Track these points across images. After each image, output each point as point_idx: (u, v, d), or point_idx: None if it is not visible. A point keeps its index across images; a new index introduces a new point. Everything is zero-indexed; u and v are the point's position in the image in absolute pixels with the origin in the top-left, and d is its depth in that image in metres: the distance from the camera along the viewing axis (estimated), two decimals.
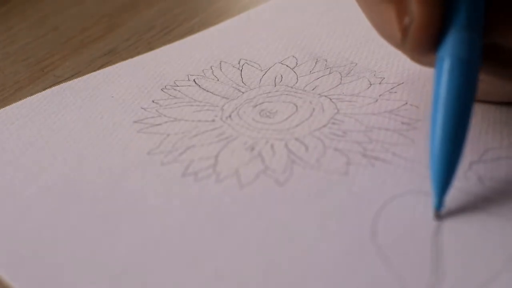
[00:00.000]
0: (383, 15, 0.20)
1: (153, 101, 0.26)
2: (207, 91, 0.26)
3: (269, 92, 0.26)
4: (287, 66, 0.28)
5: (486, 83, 0.22)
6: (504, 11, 0.19)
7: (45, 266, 0.18)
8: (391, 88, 0.26)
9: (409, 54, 0.20)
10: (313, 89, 0.26)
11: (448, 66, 0.19)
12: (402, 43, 0.20)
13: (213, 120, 0.24)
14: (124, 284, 0.18)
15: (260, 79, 0.27)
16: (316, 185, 0.21)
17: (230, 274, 0.18)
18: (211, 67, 0.28)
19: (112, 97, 0.26)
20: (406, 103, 0.25)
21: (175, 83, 0.27)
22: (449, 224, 0.19)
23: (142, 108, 0.25)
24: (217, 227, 0.19)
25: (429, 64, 0.20)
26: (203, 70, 0.28)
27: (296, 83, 0.27)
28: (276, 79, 0.27)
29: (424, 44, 0.19)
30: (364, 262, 0.18)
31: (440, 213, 0.19)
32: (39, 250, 0.19)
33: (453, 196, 0.20)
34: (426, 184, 0.20)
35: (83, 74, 0.29)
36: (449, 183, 0.19)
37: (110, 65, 0.29)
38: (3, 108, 0.26)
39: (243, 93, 0.26)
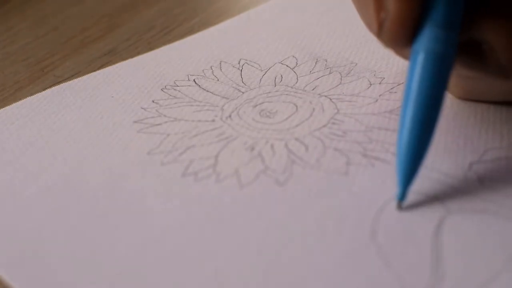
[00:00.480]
0: (366, 8, 0.21)
1: (153, 101, 0.26)
2: (207, 91, 0.26)
3: (269, 92, 0.26)
4: (287, 66, 0.28)
5: (479, 81, 0.22)
6: (483, 6, 0.19)
7: (45, 266, 0.18)
8: (391, 88, 0.26)
9: (386, 46, 0.20)
10: (313, 89, 0.26)
11: (421, 60, 0.19)
12: (378, 36, 0.20)
13: (213, 120, 0.24)
14: (124, 284, 0.18)
15: (260, 79, 0.27)
16: (316, 185, 0.21)
17: (230, 274, 0.18)
18: (211, 67, 0.28)
19: (112, 97, 0.26)
20: None
21: (175, 83, 0.27)
22: (449, 224, 0.19)
23: (142, 108, 0.25)
24: (217, 227, 0.19)
25: (407, 57, 0.21)
26: (203, 70, 0.28)
27: (296, 83, 0.27)
28: (276, 79, 0.27)
29: (398, 38, 0.20)
30: (364, 262, 0.18)
31: (402, 204, 0.19)
32: (39, 250, 0.19)
33: (453, 196, 0.20)
34: (426, 184, 0.20)
35: (83, 74, 0.29)
36: (414, 174, 0.19)
37: (110, 65, 0.29)
38: (3, 108, 0.26)
39: (243, 93, 0.26)
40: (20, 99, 0.27)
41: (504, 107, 0.24)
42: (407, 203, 0.20)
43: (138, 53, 0.31)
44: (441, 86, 0.19)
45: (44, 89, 0.28)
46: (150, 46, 0.31)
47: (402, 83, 0.26)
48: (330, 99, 0.25)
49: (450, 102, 0.24)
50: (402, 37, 0.20)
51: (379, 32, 0.20)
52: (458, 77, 0.23)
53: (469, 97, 0.24)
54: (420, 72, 0.19)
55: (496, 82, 0.22)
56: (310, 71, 0.27)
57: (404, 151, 0.19)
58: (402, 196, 0.19)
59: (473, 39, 0.20)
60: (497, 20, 0.19)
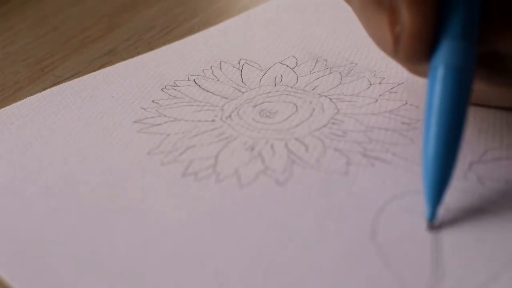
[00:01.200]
0: (377, 24, 0.20)
1: (153, 101, 0.26)
2: (207, 91, 0.26)
3: (269, 92, 0.26)
4: (287, 66, 0.28)
5: (487, 90, 0.22)
6: (500, 18, 0.19)
7: (45, 266, 0.18)
8: (391, 88, 0.26)
9: (402, 63, 0.20)
10: (313, 89, 0.26)
11: (441, 74, 0.18)
12: (394, 52, 0.19)
13: (213, 120, 0.24)
14: (124, 284, 0.18)
15: (260, 79, 0.27)
16: (316, 185, 0.21)
17: (230, 274, 0.18)
18: (211, 67, 0.28)
19: (112, 97, 0.26)
20: (406, 103, 0.25)
21: (175, 83, 0.27)
22: (449, 224, 0.19)
23: (142, 108, 0.25)
24: (217, 227, 0.19)
25: (425, 74, 0.20)
26: (203, 70, 0.28)
27: (296, 83, 0.27)
28: (276, 79, 0.27)
29: (416, 53, 0.19)
30: (364, 262, 0.18)
31: (433, 224, 0.19)
32: (39, 250, 0.19)
33: (453, 196, 0.20)
34: None
35: (83, 74, 0.29)
36: (442, 194, 0.18)
37: (110, 65, 0.29)
38: (3, 108, 0.26)
39: (243, 93, 0.26)
40: (20, 99, 0.27)
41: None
42: (407, 203, 0.20)
43: (138, 53, 0.31)
44: (464, 100, 0.18)
45: (44, 89, 0.27)
46: (150, 46, 0.31)
47: (402, 83, 0.26)
48: (330, 99, 0.25)
49: None
50: (420, 51, 0.19)
51: (395, 48, 0.19)
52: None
53: (476, 102, 0.24)
54: (441, 87, 0.18)
55: (502, 91, 0.22)
56: (310, 71, 0.27)
57: (431, 170, 0.18)
58: (432, 216, 0.19)
59: (491, 50, 0.19)
60: None
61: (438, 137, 0.18)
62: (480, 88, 0.21)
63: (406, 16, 0.18)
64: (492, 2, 0.19)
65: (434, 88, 0.19)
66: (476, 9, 0.19)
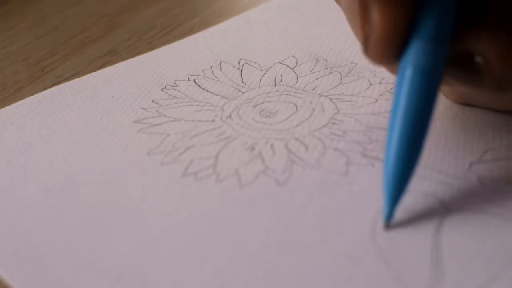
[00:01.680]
0: (353, 19, 0.20)
1: (153, 101, 0.26)
2: (207, 91, 0.26)
3: (269, 92, 0.26)
4: (287, 66, 0.28)
5: (471, 92, 0.22)
6: (477, 17, 0.19)
7: (45, 266, 0.18)
8: (391, 88, 0.26)
9: (372, 62, 0.20)
10: (313, 89, 0.26)
11: (409, 75, 0.18)
12: (364, 52, 0.19)
13: (213, 120, 0.24)
14: (124, 284, 0.18)
15: (260, 79, 0.27)
16: (316, 185, 0.21)
17: (230, 274, 0.18)
18: (211, 67, 0.28)
19: (112, 97, 0.26)
20: None
21: (175, 83, 0.27)
22: (449, 224, 0.19)
23: (142, 108, 0.25)
24: (217, 227, 0.19)
25: (395, 73, 0.20)
26: (203, 70, 0.28)
27: (296, 83, 0.27)
28: (276, 79, 0.27)
29: (383, 54, 0.19)
30: (364, 262, 0.18)
31: (389, 224, 0.19)
32: (39, 250, 0.19)
33: (452, 196, 0.20)
34: (426, 184, 0.20)
35: (83, 74, 0.29)
36: (401, 194, 0.18)
37: (110, 65, 0.29)
38: (3, 108, 0.26)
39: (243, 93, 0.26)
40: (20, 99, 0.27)
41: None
42: (407, 203, 0.20)
43: (138, 53, 0.31)
44: (430, 101, 0.19)
45: (44, 89, 0.27)
46: (150, 46, 0.31)
47: None
48: (330, 99, 0.25)
49: (450, 103, 0.24)
50: (388, 52, 0.19)
51: (365, 48, 0.19)
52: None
53: (467, 103, 0.24)
54: (408, 87, 0.18)
55: (492, 94, 0.22)
56: (310, 71, 0.27)
57: (391, 170, 0.18)
58: (389, 216, 0.19)
59: (466, 51, 0.19)
60: (492, 31, 0.19)
61: (401, 136, 0.18)
62: (460, 89, 0.21)
63: (375, 17, 0.18)
64: (464, 3, 0.19)
65: (401, 88, 0.19)
66: (451, 11, 0.19)
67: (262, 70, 0.28)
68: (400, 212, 0.19)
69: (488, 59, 0.19)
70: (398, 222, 0.19)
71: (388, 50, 0.19)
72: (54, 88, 0.27)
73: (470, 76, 0.20)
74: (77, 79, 0.28)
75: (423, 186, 0.20)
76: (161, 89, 0.27)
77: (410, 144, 0.18)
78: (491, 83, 0.20)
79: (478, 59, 0.19)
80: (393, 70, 0.21)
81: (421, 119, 0.18)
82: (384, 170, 0.19)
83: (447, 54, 0.19)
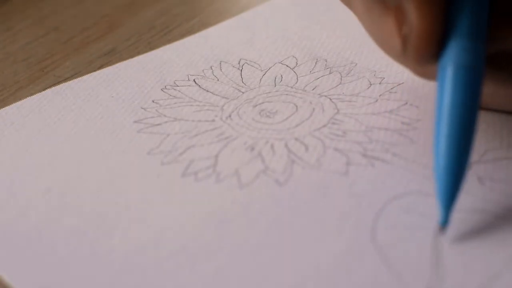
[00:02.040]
0: (382, 26, 0.20)
1: (153, 101, 0.26)
2: (207, 91, 0.26)
3: (269, 92, 0.26)
4: (287, 66, 0.28)
5: (489, 94, 0.22)
6: (510, 17, 0.19)
7: (45, 266, 0.18)
8: (391, 88, 0.26)
9: (411, 65, 0.19)
10: (313, 89, 0.26)
11: (451, 74, 0.18)
12: (402, 54, 0.19)
13: (213, 120, 0.24)
14: (124, 284, 0.18)
15: (260, 79, 0.27)
16: (316, 185, 0.21)
17: (230, 274, 0.18)
18: (211, 67, 0.28)
19: (112, 97, 0.26)
20: (406, 103, 0.25)
21: (175, 83, 0.27)
22: (449, 225, 0.19)
23: (142, 108, 0.25)
24: (217, 227, 0.19)
25: (433, 76, 0.20)
26: (203, 70, 0.28)
27: (296, 83, 0.27)
28: (276, 79, 0.27)
29: (425, 54, 0.19)
30: (364, 263, 0.18)
31: (445, 230, 0.18)
32: (39, 250, 0.19)
33: None
34: (426, 184, 0.20)
35: (83, 74, 0.29)
36: (455, 199, 0.18)
37: (110, 65, 0.29)
38: (3, 108, 0.26)
39: (243, 93, 0.26)
40: (20, 99, 0.27)
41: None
42: (407, 204, 0.20)
43: (138, 53, 0.31)
44: (475, 99, 0.18)
45: (44, 89, 0.27)
46: (150, 46, 0.31)
47: (402, 83, 0.26)
48: (330, 99, 0.25)
49: None
50: (429, 52, 0.18)
51: (403, 49, 0.19)
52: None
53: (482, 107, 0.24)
54: (452, 87, 0.18)
55: (505, 93, 0.21)
56: (310, 71, 0.27)
57: (444, 173, 0.18)
58: (445, 222, 0.18)
59: (501, 50, 0.19)
60: None
61: (450, 138, 0.18)
62: (486, 91, 0.21)
63: (413, 16, 0.18)
64: (501, 1, 0.19)
65: (444, 88, 0.18)
66: (485, 7, 0.18)
67: (262, 70, 0.28)
68: (400, 212, 0.19)
69: None
70: (398, 222, 0.19)
71: (429, 49, 0.18)
72: (54, 88, 0.27)
73: (503, 76, 0.20)
74: (77, 79, 0.28)
75: (423, 187, 0.20)
76: (161, 89, 0.27)
77: (460, 146, 0.18)
78: None
79: None
80: (424, 73, 0.20)
81: (468, 118, 0.18)
82: (436, 174, 0.18)
83: (485, 52, 0.18)
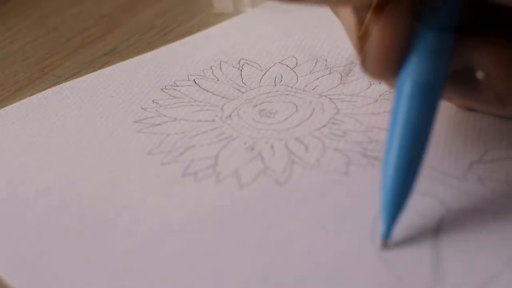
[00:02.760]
0: (350, 31, 0.20)
1: (153, 101, 0.26)
2: (207, 91, 0.27)
3: (269, 92, 0.26)
4: (287, 66, 0.28)
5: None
6: (477, 32, 0.18)
7: (45, 266, 0.18)
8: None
9: (370, 77, 0.19)
10: (313, 89, 0.26)
11: (408, 90, 0.18)
12: (361, 66, 0.19)
13: (213, 120, 0.24)
14: (124, 284, 0.18)
15: (260, 79, 0.27)
16: (316, 185, 0.21)
17: (229, 274, 0.18)
18: (211, 67, 0.28)
19: (112, 97, 0.26)
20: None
21: (175, 83, 0.27)
22: (449, 224, 0.19)
23: (142, 108, 0.25)
24: (217, 227, 0.19)
25: (394, 86, 0.20)
26: (203, 70, 0.28)
27: (296, 83, 0.27)
28: (276, 79, 0.27)
29: (382, 68, 0.18)
30: (364, 263, 0.18)
31: (387, 243, 0.18)
32: (39, 250, 0.19)
33: (452, 197, 0.20)
34: (425, 184, 0.20)
35: (83, 74, 0.29)
36: (399, 213, 0.18)
37: (110, 65, 0.29)
38: (3, 108, 0.26)
39: (243, 93, 0.26)
40: (20, 99, 0.27)
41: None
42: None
43: (138, 53, 0.31)
44: (430, 117, 0.18)
45: (44, 89, 0.27)
46: (150, 46, 0.31)
47: None
48: (330, 99, 0.25)
49: (449, 103, 0.24)
50: (387, 66, 0.18)
51: (363, 62, 0.19)
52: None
53: (469, 108, 0.23)
54: (407, 102, 0.18)
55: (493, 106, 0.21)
56: (310, 71, 0.27)
57: (389, 189, 0.18)
58: (387, 235, 0.18)
59: (466, 66, 0.19)
60: (492, 44, 0.18)
61: (399, 154, 0.18)
62: (461, 103, 0.21)
63: (373, 30, 0.18)
64: (464, 16, 0.19)
65: (399, 103, 0.18)
66: (449, 23, 0.18)
67: (262, 70, 0.28)
68: (406, 213, 0.19)
69: (489, 74, 0.19)
70: (398, 222, 0.19)
71: (386, 64, 0.18)
72: (54, 88, 0.27)
73: (471, 91, 0.19)
74: (77, 79, 0.28)
75: (423, 186, 0.20)
76: (161, 89, 0.27)
77: (409, 162, 0.18)
78: (491, 98, 0.19)
79: (479, 74, 0.19)
80: (391, 84, 0.20)
81: (420, 136, 0.18)
82: (382, 189, 0.18)
83: (447, 69, 0.18)
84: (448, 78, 0.19)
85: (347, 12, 0.21)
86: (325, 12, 0.33)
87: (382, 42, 0.18)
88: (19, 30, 0.35)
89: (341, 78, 0.27)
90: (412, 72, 0.18)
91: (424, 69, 0.18)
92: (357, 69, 0.27)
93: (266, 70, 0.28)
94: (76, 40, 0.33)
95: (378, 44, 0.18)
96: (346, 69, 0.25)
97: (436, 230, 0.19)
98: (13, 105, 0.26)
